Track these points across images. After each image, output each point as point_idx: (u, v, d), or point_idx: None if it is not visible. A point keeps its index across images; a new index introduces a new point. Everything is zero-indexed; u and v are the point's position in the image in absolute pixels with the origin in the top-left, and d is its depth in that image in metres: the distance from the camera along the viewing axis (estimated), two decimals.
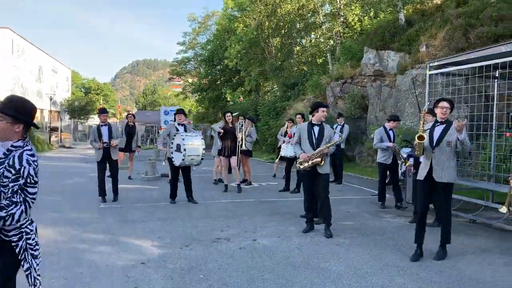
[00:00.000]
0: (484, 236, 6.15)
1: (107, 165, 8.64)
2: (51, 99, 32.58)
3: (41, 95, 43.21)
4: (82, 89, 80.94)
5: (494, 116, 7.29)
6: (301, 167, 6.23)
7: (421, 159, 5.41)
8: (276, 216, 7.33)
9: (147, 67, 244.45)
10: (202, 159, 8.26)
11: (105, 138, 8.50)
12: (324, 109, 6.29)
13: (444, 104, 5.16)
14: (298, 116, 10.37)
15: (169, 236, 5.94)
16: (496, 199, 7.63)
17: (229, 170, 11.60)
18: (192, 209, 7.87)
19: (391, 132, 8.30)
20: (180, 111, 8.60)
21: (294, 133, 7.27)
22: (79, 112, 54.53)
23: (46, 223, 6.51)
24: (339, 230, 6.33)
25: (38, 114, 45.82)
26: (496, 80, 7.55)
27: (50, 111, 39.00)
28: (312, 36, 23.73)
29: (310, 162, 6.09)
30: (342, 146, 11.69)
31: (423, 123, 5.17)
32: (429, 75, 7.94)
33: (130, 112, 13.72)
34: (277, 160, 12.20)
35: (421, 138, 5.05)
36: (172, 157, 8.15)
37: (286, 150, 9.99)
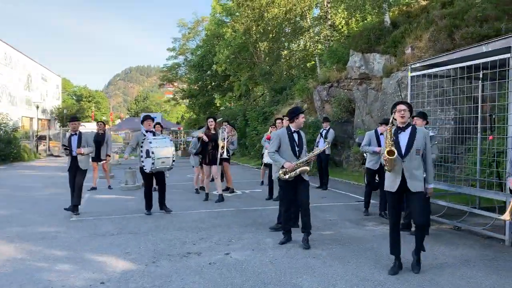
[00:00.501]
0: (468, 244, 5.87)
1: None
2: (37, 107, 32.12)
3: (30, 103, 42.77)
4: (74, 97, 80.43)
5: (479, 118, 7.04)
6: (286, 177, 5.78)
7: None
8: (254, 226, 7.02)
9: (140, 73, 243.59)
10: (173, 161, 7.89)
11: (74, 147, 8.17)
12: (303, 115, 6.04)
13: (401, 106, 4.88)
14: (278, 121, 10.08)
15: (137, 251, 5.61)
16: (482, 204, 7.40)
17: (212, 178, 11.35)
18: (167, 220, 7.54)
19: (382, 137, 7.97)
20: (147, 117, 8.24)
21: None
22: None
23: (9, 239, 6.17)
24: (317, 241, 6.04)
25: (27, 122, 45.36)
26: (480, 81, 7.33)
27: (38, 119, 38.51)
28: (300, 40, 23.49)
29: (297, 171, 5.75)
30: (327, 151, 11.40)
31: (391, 136, 4.81)
32: (411, 77, 7.69)
33: (101, 120, 13.32)
34: (262, 167, 11.92)
35: (391, 153, 4.73)
36: (143, 166, 7.82)
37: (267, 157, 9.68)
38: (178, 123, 46.92)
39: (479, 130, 7.07)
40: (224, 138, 9.57)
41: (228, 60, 28.26)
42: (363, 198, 8.30)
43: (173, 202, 9.28)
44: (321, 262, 5.13)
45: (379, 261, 5.15)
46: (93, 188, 11.40)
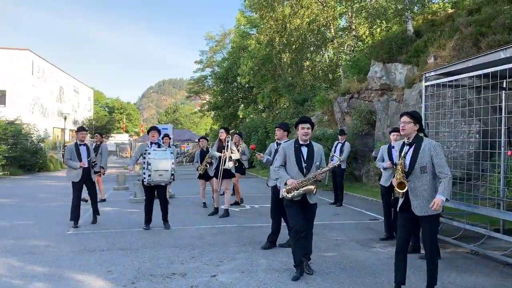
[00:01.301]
0: (484, 272, 5.24)
1: (83, 186, 8.17)
2: (65, 118, 32.79)
3: (62, 114, 43.83)
4: (106, 109, 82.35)
5: (502, 131, 6.39)
6: (289, 195, 5.01)
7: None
8: (252, 245, 6.57)
9: (172, 86, 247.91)
10: (172, 175, 7.58)
11: (84, 158, 8.07)
12: (305, 125, 5.13)
13: (403, 118, 4.35)
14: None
15: (120, 270, 5.28)
16: (507, 227, 6.69)
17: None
18: (163, 236, 7.20)
19: (393, 150, 7.33)
20: (152, 128, 7.99)
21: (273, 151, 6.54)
22: (101, 130, 55.00)
23: None
24: (316, 263, 5.54)
25: (58, 133, 46.55)
26: (504, 90, 6.70)
27: (70, 130, 39.39)
28: (324, 50, 23.03)
29: (301, 190, 4.98)
30: (343, 166, 10.87)
31: (402, 166, 4.29)
32: (426, 86, 7.13)
33: (97, 131, 13.30)
34: None
35: (401, 186, 4.25)
36: (144, 178, 7.54)
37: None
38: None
39: (502, 145, 6.42)
40: (228, 149, 9.19)
41: (252, 72, 28.05)
42: (377, 216, 7.73)
43: (176, 216, 9.01)
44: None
45: (382, 283, 4.62)
46: (103, 200, 11.24)
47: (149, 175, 7.35)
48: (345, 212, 9.78)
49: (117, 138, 63.58)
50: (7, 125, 21.78)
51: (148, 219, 7.77)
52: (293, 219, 5.09)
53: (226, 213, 8.87)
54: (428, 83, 7.05)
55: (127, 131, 78.92)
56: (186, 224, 8.26)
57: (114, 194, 12.89)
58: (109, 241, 6.82)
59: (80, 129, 8.44)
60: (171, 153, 7.86)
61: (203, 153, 9.95)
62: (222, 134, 8.93)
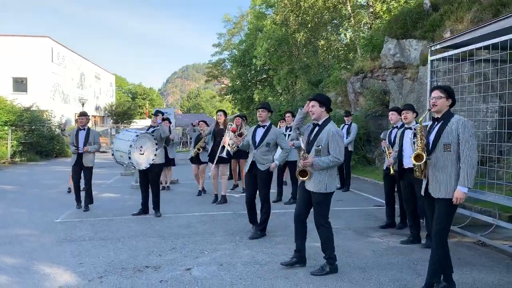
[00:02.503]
0: (487, 266, 4.70)
1: (82, 171, 8.12)
2: (83, 104, 33.07)
3: (87, 101, 44.25)
4: (129, 94, 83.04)
5: None
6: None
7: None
8: (240, 234, 6.19)
9: (196, 71, 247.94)
10: (129, 158, 6.93)
11: (80, 143, 7.99)
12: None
13: (434, 93, 3.86)
14: (288, 114, 9.17)
15: (91, 263, 4.98)
16: None
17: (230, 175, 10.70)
18: (150, 225, 6.88)
19: (393, 132, 6.82)
20: (157, 113, 7.64)
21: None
22: (122, 116, 55.49)
23: None
24: (306, 255, 5.12)
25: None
26: None
27: (92, 116, 39.76)
28: (340, 28, 22.15)
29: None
30: (350, 148, 10.28)
31: (421, 136, 3.85)
32: (432, 61, 6.51)
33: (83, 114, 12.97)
34: None
35: (419, 158, 3.80)
36: None
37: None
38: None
39: None
40: (229, 134, 8.75)
41: (267, 53, 27.37)
42: (383, 202, 7.17)
43: (172, 202, 8.80)
44: (292, 285, 4.22)
45: (365, 285, 4.16)
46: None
47: (112, 154, 7.26)
48: (350, 198, 9.27)
49: (140, 124, 64.10)
50: (23, 111, 21.91)
51: (142, 204, 7.50)
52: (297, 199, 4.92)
53: (224, 200, 8.50)
54: (434, 57, 6.42)
55: (150, 117, 79.52)
56: (179, 211, 7.93)
57: (119, 180, 12.69)
58: (94, 230, 6.55)
59: (81, 114, 8.40)
60: (153, 136, 7.31)
61: (200, 138, 9.53)
62: (220, 117, 8.50)
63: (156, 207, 7.52)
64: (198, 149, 9.30)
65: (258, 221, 6.16)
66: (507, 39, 4.86)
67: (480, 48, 5.41)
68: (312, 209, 4.70)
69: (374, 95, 13.80)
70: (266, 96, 30.68)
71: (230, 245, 5.63)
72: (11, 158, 20.22)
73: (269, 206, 6.10)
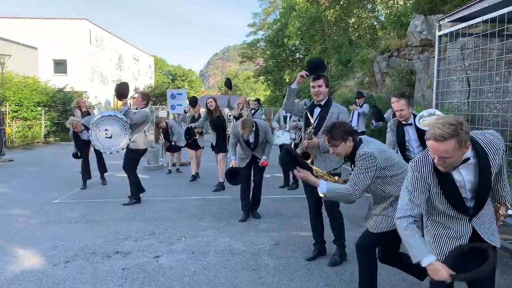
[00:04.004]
0: None
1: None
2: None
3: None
4: (169, 76, 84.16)
5: None
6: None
7: None
8: (227, 220, 5.96)
9: (237, 52, 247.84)
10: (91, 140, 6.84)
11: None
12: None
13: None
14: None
15: (65, 246, 4.90)
16: None
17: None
18: (141, 208, 6.75)
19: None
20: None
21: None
22: (160, 97, 56.28)
23: None
24: (283, 245, 4.85)
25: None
26: None
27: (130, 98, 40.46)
28: (374, 4, 21.09)
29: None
30: (361, 128, 9.64)
31: None
32: (440, 36, 5.91)
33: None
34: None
35: None
36: None
37: (282, 137, 8.32)
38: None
39: None
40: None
41: (299, 32, 26.64)
42: None
43: (175, 185, 8.67)
44: (256, 278, 3.95)
45: (334, 280, 3.83)
46: None
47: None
48: None
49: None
50: (56, 92, 22.51)
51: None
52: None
53: (221, 187, 8.17)
54: (442, 32, 5.82)
55: (188, 98, 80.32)
56: (178, 194, 7.80)
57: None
58: (84, 212, 6.52)
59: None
60: (122, 119, 6.86)
61: (194, 120, 9.16)
62: (211, 103, 8.07)
63: (132, 195, 7.05)
64: (195, 134, 9.00)
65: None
66: None
67: (486, 21, 4.80)
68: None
69: (400, 75, 13.02)
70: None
71: (211, 232, 5.41)
72: (44, 137, 20.90)
73: (261, 186, 6.14)
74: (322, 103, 4.29)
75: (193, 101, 9.40)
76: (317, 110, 4.29)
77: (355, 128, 9.04)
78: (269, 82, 37.15)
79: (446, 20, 5.85)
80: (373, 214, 3.27)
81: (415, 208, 2.29)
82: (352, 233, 5.32)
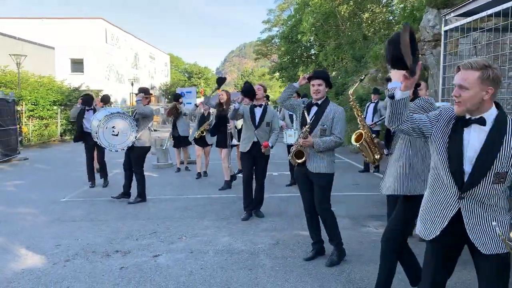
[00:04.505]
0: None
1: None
2: (132, 84, 33.97)
3: (138, 80, 45.57)
4: (185, 74, 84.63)
5: None
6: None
7: None
8: (229, 219, 5.95)
9: (253, 49, 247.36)
10: (98, 138, 6.87)
11: (87, 122, 8.42)
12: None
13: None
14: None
15: (67, 245, 4.96)
16: None
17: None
18: (146, 207, 6.79)
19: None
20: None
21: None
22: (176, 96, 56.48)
23: None
24: (282, 245, 4.81)
25: (135, 98, 48.83)
26: None
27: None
28: (384, 1, 20.81)
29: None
30: (378, 128, 9.54)
31: None
32: (445, 32, 5.78)
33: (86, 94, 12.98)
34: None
35: None
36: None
37: (295, 136, 8.20)
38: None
39: None
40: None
41: (313, 28, 26.42)
42: None
43: (183, 184, 8.66)
44: (252, 278, 3.92)
45: (330, 280, 3.78)
46: None
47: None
48: (368, 182, 8.67)
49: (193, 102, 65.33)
50: (71, 91, 22.81)
51: (123, 186, 7.34)
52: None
53: (227, 186, 8.12)
54: (448, 27, 5.69)
55: (204, 95, 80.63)
56: (183, 193, 7.81)
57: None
58: (89, 210, 6.59)
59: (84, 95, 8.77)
60: (129, 116, 7.09)
61: (204, 118, 9.18)
62: (223, 96, 8.11)
63: (138, 194, 7.09)
64: (202, 132, 9.00)
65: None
66: None
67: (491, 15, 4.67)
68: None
69: None
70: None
71: (212, 231, 5.41)
72: (61, 136, 21.22)
73: (263, 185, 6.14)
74: (319, 102, 4.25)
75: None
76: (313, 109, 4.26)
77: (369, 124, 8.94)
78: (283, 78, 36.97)
79: (452, 14, 5.70)
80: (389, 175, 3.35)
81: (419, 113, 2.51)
82: (352, 232, 5.28)
